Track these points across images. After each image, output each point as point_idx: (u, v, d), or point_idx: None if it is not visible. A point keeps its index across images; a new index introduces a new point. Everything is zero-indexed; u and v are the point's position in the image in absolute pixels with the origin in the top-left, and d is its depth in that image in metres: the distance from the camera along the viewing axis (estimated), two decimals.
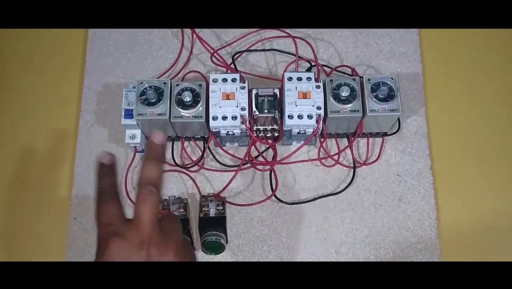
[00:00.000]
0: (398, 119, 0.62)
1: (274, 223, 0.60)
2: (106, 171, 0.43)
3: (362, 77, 0.56)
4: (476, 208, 0.61)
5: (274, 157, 0.61)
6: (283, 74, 0.57)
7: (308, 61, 0.65)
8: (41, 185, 0.62)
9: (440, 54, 0.67)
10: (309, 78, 0.56)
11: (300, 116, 0.55)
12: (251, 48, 0.67)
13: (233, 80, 0.56)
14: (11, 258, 0.59)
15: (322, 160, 0.61)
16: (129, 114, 0.57)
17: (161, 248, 0.40)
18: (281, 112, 0.57)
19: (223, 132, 0.58)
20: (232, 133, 0.58)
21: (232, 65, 0.65)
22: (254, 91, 0.57)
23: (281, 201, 0.60)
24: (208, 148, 0.61)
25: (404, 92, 0.64)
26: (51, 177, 0.62)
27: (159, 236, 0.40)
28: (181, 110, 0.55)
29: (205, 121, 0.55)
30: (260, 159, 0.61)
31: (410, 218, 0.60)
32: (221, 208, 0.58)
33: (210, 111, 0.55)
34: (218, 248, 0.57)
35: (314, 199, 0.60)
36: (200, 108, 0.55)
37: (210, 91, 0.56)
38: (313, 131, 0.57)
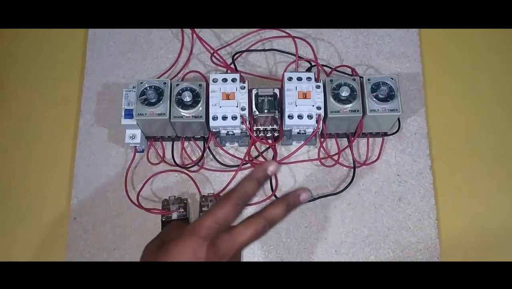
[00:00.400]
0: (398, 119, 0.62)
1: None
2: (261, 180, 0.45)
3: (362, 77, 0.56)
4: (476, 208, 0.61)
5: (274, 157, 0.61)
6: (283, 74, 0.57)
7: (308, 61, 0.65)
8: (41, 185, 0.62)
9: (440, 54, 0.67)
10: (309, 78, 0.56)
11: (300, 116, 0.55)
12: (251, 48, 0.67)
13: (233, 80, 0.56)
14: (11, 258, 0.59)
15: (322, 160, 0.61)
16: (129, 114, 0.57)
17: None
18: (281, 112, 0.57)
19: (223, 132, 0.58)
20: (232, 133, 0.58)
21: (232, 65, 0.65)
22: (254, 91, 0.57)
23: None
24: (208, 148, 0.61)
25: (404, 92, 0.64)
26: (51, 177, 0.62)
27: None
28: (181, 110, 0.55)
29: (205, 121, 0.55)
30: (260, 159, 0.61)
31: (410, 218, 0.60)
32: None
33: (210, 111, 0.55)
34: None
35: (314, 199, 0.60)
36: (200, 108, 0.55)
37: (210, 91, 0.56)
38: (313, 131, 0.57)
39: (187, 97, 0.55)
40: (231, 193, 0.44)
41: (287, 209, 0.45)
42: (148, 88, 0.55)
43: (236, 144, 0.62)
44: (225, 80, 0.56)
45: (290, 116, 0.55)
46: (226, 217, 0.43)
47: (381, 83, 0.55)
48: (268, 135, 0.59)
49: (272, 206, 0.44)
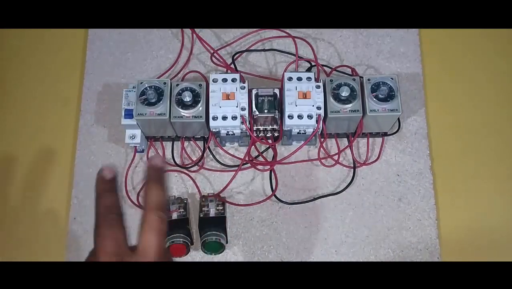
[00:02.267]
0: (398, 119, 0.62)
1: (274, 223, 0.60)
2: (107, 187, 0.40)
3: (362, 77, 0.56)
4: (476, 208, 0.61)
5: (274, 157, 0.61)
6: (283, 74, 0.57)
7: (308, 61, 0.65)
8: (41, 185, 0.62)
9: (440, 54, 0.67)
10: (309, 78, 0.56)
11: (300, 116, 0.55)
12: (251, 48, 0.67)
13: (233, 80, 0.56)
14: (11, 258, 0.59)
15: (322, 160, 0.61)
16: (129, 114, 0.57)
17: None
18: (281, 112, 0.57)
19: (223, 132, 0.58)
20: (232, 133, 0.58)
21: (232, 65, 0.65)
22: (254, 91, 0.57)
23: (281, 201, 0.60)
24: (208, 148, 0.61)
25: (404, 92, 0.64)
26: (51, 177, 0.62)
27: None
28: (181, 110, 0.55)
29: (205, 121, 0.55)
30: (260, 159, 0.61)
31: (410, 218, 0.60)
32: (221, 208, 0.58)
33: (210, 111, 0.55)
34: (218, 248, 0.57)
35: (314, 199, 0.60)
36: (200, 108, 0.55)
37: (210, 91, 0.56)
38: (313, 131, 0.57)
39: (187, 97, 0.55)
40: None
41: (159, 183, 0.40)
42: (148, 88, 0.55)
43: (236, 144, 0.62)
44: (225, 80, 0.56)
45: (290, 116, 0.55)
46: (117, 241, 0.38)
47: (381, 83, 0.55)
48: (268, 135, 0.59)
49: (149, 194, 0.39)
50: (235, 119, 0.55)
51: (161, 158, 0.41)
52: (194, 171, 0.62)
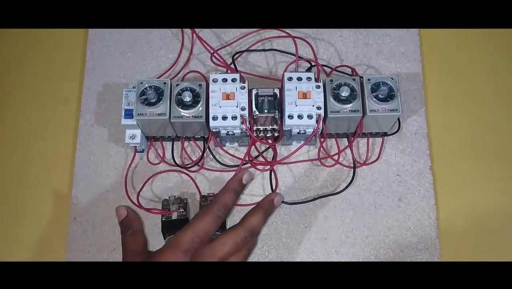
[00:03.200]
0: (398, 119, 0.62)
1: (274, 223, 0.60)
2: (237, 188, 0.47)
3: (362, 77, 0.56)
4: (476, 207, 0.61)
5: (274, 157, 0.61)
6: (283, 74, 0.57)
7: (308, 61, 0.65)
8: (41, 185, 0.62)
9: (440, 54, 0.67)
10: (309, 78, 0.56)
11: (300, 116, 0.55)
12: (251, 48, 0.67)
13: (233, 80, 0.56)
14: (11, 258, 0.59)
15: (322, 160, 0.61)
16: (129, 114, 0.57)
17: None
18: (281, 112, 0.57)
19: (223, 132, 0.58)
20: (232, 133, 0.58)
21: (232, 65, 0.65)
22: (254, 91, 0.57)
23: (281, 201, 0.60)
24: (208, 148, 0.61)
25: (404, 92, 0.64)
26: (51, 177, 0.62)
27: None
28: (181, 110, 0.55)
29: (205, 121, 0.55)
30: (260, 159, 0.61)
31: (410, 218, 0.60)
32: None
33: (210, 111, 0.55)
34: None
35: (314, 199, 0.60)
36: (200, 108, 0.55)
37: (210, 91, 0.56)
38: (313, 131, 0.57)
39: (187, 97, 0.55)
40: (211, 205, 0.45)
41: (265, 215, 0.46)
42: (148, 88, 0.55)
43: (236, 144, 0.62)
44: (225, 80, 0.56)
45: (290, 116, 0.55)
46: (206, 230, 0.44)
47: (381, 83, 0.55)
48: (268, 135, 0.59)
49: (251, 215, 0.45)
50: (235, 119, 0.55)
51: (281, 199, 0.50)
52: (194, 171, 0.62)
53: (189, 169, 0.61)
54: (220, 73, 0.60)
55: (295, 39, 0.65)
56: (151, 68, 0.66)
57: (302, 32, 0.67)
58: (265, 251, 0.59)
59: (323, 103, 0.55)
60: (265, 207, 0.47)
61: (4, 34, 0.69)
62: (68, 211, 0.60)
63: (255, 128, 0.58)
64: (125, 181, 0.60)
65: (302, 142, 0.60)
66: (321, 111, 0.55)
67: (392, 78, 0.56)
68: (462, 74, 0.67)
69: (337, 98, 0.55)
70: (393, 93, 0.55)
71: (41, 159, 0.63)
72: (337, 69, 0.64)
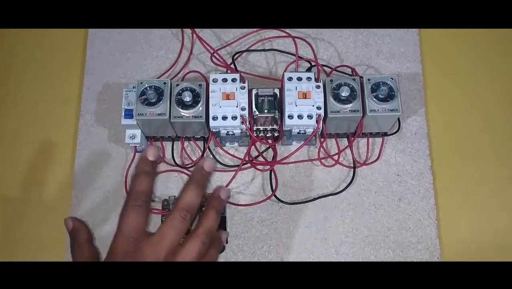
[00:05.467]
0: (398, 119, 0.62)
1: (274, 223, 0.60)
2: (146, 169, 0.42)
3: (362, 77, 0.56)
4: (476, 207, 0.61)
5: (274, 157, 0.61)
6: (283, 74, 0.57)
7: (308, 61, 0.65)
8: (41, 185, 0.62)
9: (440, 54, 0.67)
10: (309, 78, 0.56)
11: (300, 116, 0.55)
12: (251, 48, 0.67)
13: (233, 80, 0.56)
14: (11, 258, 0.59)
15: (322, 160, 0.61)
16: (129, 114, 0.57)
17: None
18: (281, 112, 0.57)
19: (223, 132, 0.58)
20: (232, 133, 0.58)
21: (232, 65, 0.65)
22: (254, 91, 0.57)
23: (281, 201, 0.60)
24: (208, 147, 0.61)
25: (404, 92, 0.64)
26: (51, 177, 0.62)
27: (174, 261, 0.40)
28: (181, 110, 0.55)
29: (205, 121, 0.55)
30: (260, 159, 0.61)
31: (410, 218, 0.60)
32: None
33: (210, 111, 0.55)
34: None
35: (314, 199, 0.60)
36: (200, 108, 0.55)
37: (210, 91, 0.56)
38: (313, 131, 0.57)
39: (187, 97, 0.55)
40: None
41: (198, 186, 0.43)
42: (148, 88, 0.55)
43: (236, 144, 0.62)
44: (225, 80, 0.56)
45: (290, 116, 0.55)
46: (137, 227, 0.41)
47: (381, 83, 0.55)
48: (268, 135, 0.59)
49: (184, 192, 0.42)
50: (235, 119, 0.55)
51: (214, 164, 0.44)
52: None
53: (189, 169, 0.61)
54: (220, 73, 0.60)
55: (295, 39, 0.65)
56: (151, 68, 0.66)
57: (302, 32, 0.67)
58: (265, 251, 0.59)
59: (323, 103, 0.55)
60: (197, 178, 0.43)
61: (4, 34, 0.69)
62: (68, 211, 0.60)
63: (255, 128, 0.58)
64: (125, 181, 0.60)
65: (302, 142, 0.60)
66: (321, 111, 0.55)
67: (392, 78, 0.56)
68: (462, 74, 0.67)
69: (337, 98, 0.55)
70: (393, 93, 0.55)
71: (41, 159, 0.63)
72: (337, 69, 0.64)
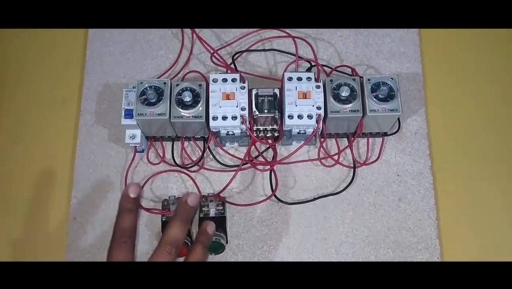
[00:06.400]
0: (398, 119, 0.62)
1: (274, 223, 0.60)
2: (128, 206, 0.44)
3: (362, 77, 0.56)
4: (476, 207, 0.61)
5: (274, 157, 0.61)
6: (283, 74, 0.57)
7: (308, 61, 0.65)
8: (41, 185, 0.62)
9: (440, 54, 0.67)
10: (309, 78, 0.56)
11: (300, 116, 0.55)
12: (251, 48, 0.67)
13: (233, 80, 0.56)
14: (11, 258, 0.59)
15: (322, 160, 0.61)
16: (129, 114, 0.57)
17: None
18: (281, 112, 0.57)
19: (223, 132, 0.58)
20: (232, 133, 0.58)
21: (232, 65, 0.65)
22: (254, 91, 0.57)
23: (281, 201, 0.60)
24: (208, 148, 0.61)
25: (404, 92, 0.64)
26: (51, 177, 0.62)
27: None
28: (181, 110, 0.55)
29: (205, 121, 0.55)
30: (260, 159, 0.61)
31: (410, 218, 0.60)
32: (221, 208, 0.58)
33: (210, 111, 0.55)
34: (218, 248, 0.57)
35: (314, 199, 0.60)
36: (200, 108, 0.55)
37: (210, 91, 0.56)
38: (313, 131, 0.57)
39: (187, 97, 0.55)
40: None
41: (181, 221, 0.44)
42: (148, 88, 0.55)
43: (236, 144, 0.62)
44: (225, 80, 0.56)
45: (290, 116, 0.55)
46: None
47: (381, 83, 0.55)
48: (268, 135, 0.59)
49: (170, 227, 0.43)
50: (235, 119, 0.55)
51: (198, 199, 0.45)
52: (194, 171, 0.61)
53: (189, 169, 0.61)
54: (220, 73, 0.60)
55: (295, 39, 0.65)
56: (151, 68, 0.66)
57: (302, 32, 0.67)
58: (265, 251, 0.59)
59: (323, 103, 0.55)
60: (181, 212, 0.44)
61: (4, 34, 0.69)
62: (68, 211, 0.60)
63: (255, 128, 0.58)
64: (125, 181, 0.60)
65: (302, 142, 0.60)
66: (321, 111, 0.55)
67: (392, 78, 0.56)
68: (462, 74, 0.67)
69: (337, 98, 0.55)
70: (393, 93, 0.55)
71: (41, 159, 0.63)
72: (337, 69, 0.64)
